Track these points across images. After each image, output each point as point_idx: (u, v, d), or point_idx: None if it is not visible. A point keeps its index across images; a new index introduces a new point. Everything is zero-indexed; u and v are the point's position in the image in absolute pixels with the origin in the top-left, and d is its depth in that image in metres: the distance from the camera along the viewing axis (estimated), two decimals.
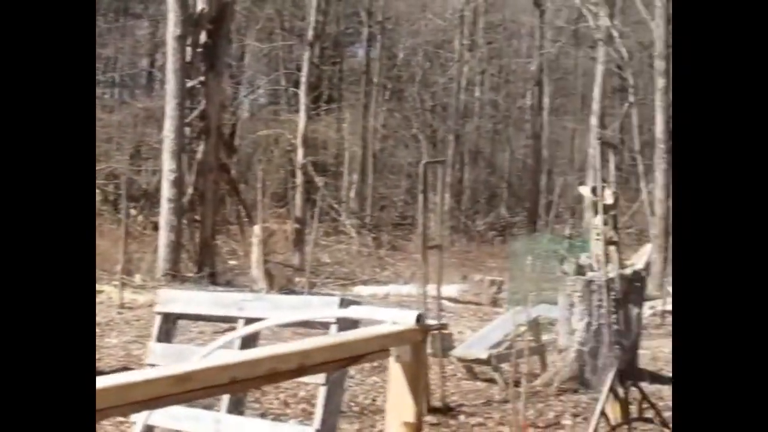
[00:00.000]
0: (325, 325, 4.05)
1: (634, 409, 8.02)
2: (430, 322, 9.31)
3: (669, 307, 14.33)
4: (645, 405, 8.17)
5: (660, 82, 21.25)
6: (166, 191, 17.52)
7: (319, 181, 27.19)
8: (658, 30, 21.23)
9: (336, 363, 3.59)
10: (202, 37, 17.80)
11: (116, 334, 11.59)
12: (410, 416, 3.51)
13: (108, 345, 10.67)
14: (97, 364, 9.57)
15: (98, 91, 27.86)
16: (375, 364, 8.37)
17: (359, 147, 32.61)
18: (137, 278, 16.90)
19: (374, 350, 3.56)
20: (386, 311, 3.66)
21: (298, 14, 32.33)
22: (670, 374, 10.48)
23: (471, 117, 34.39)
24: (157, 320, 4.75)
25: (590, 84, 30.40)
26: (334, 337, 3.79)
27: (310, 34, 27.47)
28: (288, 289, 17.04)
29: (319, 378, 3.95)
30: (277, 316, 4.20)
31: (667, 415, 8.46)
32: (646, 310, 12.72)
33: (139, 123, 27.34)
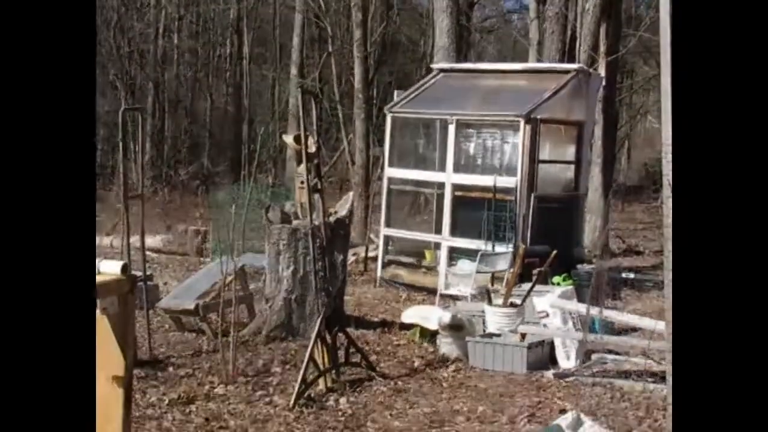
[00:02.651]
0: None
1: (341, 354, 8.21)
2: (135, 273, 9.09)
3: (372, 253, 14.71)
4: (352, 350, 8.38)
5: (357, 34, 21.58)
6: None
7: None
8: None
9: None
10: None
11: None
12: (120, 370, 3.38)
13: None
14: None
15: None
16: None
17: None
18: None
19: None
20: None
21: None
22: (375, 319, 10.82)
23: (170, 64, 33.75)
24: None
25: (289, 33, 30.54)
26: None
27: None
28: None
29: None
30: None
31: (374, 358, 8.73)
32: (350, 257, 13.00)
33: None
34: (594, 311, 9.27)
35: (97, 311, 3.41)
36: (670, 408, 4.23)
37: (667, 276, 4.29)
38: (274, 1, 33.38)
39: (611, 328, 9.72)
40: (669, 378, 4.31)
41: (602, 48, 18.23)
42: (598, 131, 17.11)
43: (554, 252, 10.50)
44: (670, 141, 4.36)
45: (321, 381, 7.79)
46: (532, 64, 16.92)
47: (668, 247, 4.26)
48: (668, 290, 4.30)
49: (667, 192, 4.29)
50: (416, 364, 8.85)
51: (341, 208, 10.54)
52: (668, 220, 4.25)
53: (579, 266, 12.16)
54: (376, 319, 10.71)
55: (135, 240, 9.34)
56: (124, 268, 3.34)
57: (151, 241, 15.11)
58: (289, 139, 10.12)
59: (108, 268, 3.35)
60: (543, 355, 8.89)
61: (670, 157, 4.33)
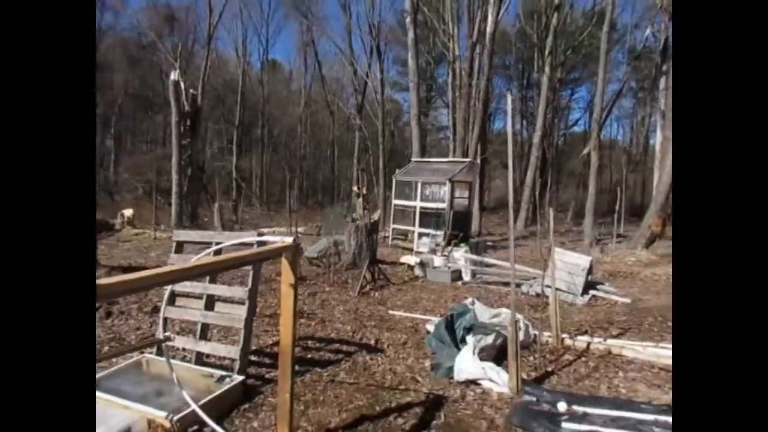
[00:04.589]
0: (251, 245, 3.77)
1: (376, 274, 8.10)
2: (296, 242, 9.00)
3: (387, 234, 14.55)
4: (380, 274, 8.28)
5: (381, 147, 21.55)
6: (174, 188, 16.14)
7: (243, 183, 26.35)
8: (379, 125, 21.48)
9: (257, 260, 3.34)
10: (188, 120, 16.31)
11: (154, 251, 10.54)
12: (292, 281, 3.33)
13: (151, 257, 9.68)
14: (145, 265, 8.61)
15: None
16: (276, 261, 7.98)
17: (260, 170, 31.67)
18: (162, 226, 15.55)
19: (274, 254, 3.34)
20: (279, 237, 3.45)
21: (229, 117, 30.80)
22: (389, 261, 10.64)
23: (307, 158, 34.04)
24: (174, 244, 4.30)
25: (352, 148, 30.63)
26: (255, 249, 3.52)
27: (236, 120, 26.16)
28: (231, 230, 16.10)
29: (249, 266, 3.67)
30: (228, 241, 3.88)
31: (389, 277, 8.59)
32: (379, 236, 12.89)
33: (159, 158, 25.21)
34: (477, 257, 9.17)
35: (283, 258, 3.35)
36: (510, 296, 4.10)
37: (510, 244, 4.18)
38: (348, 135, 33.42)
39: (484, 264, 9.61)
40: (512, 285, 4.18)
41: (479, 152, 18.15)
42: (477, 185, 16.97)
43: (461, 234, 10.40)
44: (511, 188, 4.27)
45: (368, 286, 7.72)
46: (451, 158, 16.76)
47: (511, 233, 4.16)
48: (511, 250, 4.19)
49: (510, 211, 4.19)
50: (406, 279, 8.73)
51: (375, 215, 10.46)
52: (510, 222, 4.15)
53: (471, 239, 12.02)
54: (389, 261, 10.59)
55: (293, 228, 9.27)
56: (294, 240, 3.29)
57: (300, 229, 15.00)
58: (354, 188, 10.05)
59: (288, 240, 3.30)
60: (457, 275, 8.77)
61: (510, 193, 4.24)
